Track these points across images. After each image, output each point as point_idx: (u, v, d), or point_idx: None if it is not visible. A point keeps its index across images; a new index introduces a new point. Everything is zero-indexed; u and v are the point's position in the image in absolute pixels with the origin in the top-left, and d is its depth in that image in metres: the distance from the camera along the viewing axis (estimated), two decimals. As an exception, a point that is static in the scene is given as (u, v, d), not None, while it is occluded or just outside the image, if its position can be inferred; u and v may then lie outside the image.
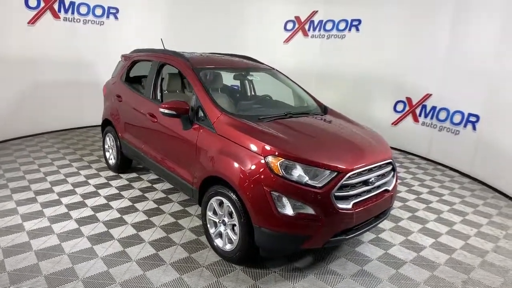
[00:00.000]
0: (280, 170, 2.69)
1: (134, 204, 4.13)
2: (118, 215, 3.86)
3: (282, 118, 3.41)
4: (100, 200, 4.19)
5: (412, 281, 2.99)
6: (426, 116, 6.50)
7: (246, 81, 4.75)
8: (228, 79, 4.62)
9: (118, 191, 4.45)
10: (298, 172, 2.71)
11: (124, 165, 4.91)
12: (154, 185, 4.68)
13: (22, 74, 6.32)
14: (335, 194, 2.72)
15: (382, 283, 2.95)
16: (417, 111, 6.64)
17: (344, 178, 2.74)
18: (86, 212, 3.90)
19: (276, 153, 2.73)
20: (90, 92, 7.08)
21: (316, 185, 2.68)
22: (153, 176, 4.94)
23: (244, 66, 4.33)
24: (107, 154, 5.15)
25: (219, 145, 3.07)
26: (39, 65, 6.51)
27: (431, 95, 6.38)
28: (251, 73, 4.36)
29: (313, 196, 2.66)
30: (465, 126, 5.79)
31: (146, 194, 4.41)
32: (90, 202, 4.13)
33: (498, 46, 5.16)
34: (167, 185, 4.66)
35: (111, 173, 5.03)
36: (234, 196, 2.87)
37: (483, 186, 5.36)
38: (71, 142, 6.48)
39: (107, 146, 5.15)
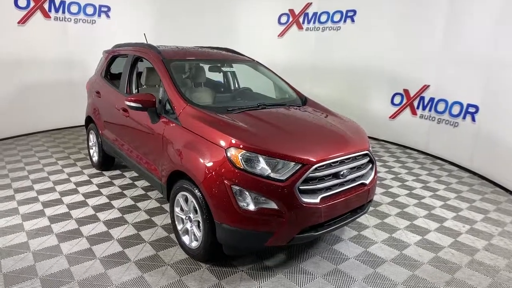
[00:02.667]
0: (241, 163, 2.53)
1: (111, 201, 4.03)
2: (92, 212, 3.76)
3: (253, 109, 3.24)
4: (78, 198, 4.11)
5: (389, 281, 2.79)
6: (424, 109, 6.23)
7: (229, 74, 4.61)
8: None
9: (97, 188, 4.37)
10: (260, 165, 2.54)
11: (106, 162, 4.83)
12: (135, 182, 4.58)
13: (13, 74, 6.32)
14: (300, 187, 2.55)
15: (356, 283, 2.76)
16: (415, 103, 6.37)
17: (310, 170, 2.56)
18: (61, 209, 3.82)
19: (240, 146, 2.57)
20: (83, 91, 7.04)
21: (279, 178, 2.51)
22: (136, 174, 4.84)
23: (221, 57, 4.18)
24: (91, 152, 5.09)
25: (182, 138, 2.94)
26: (31, 64, 6.51)
27: (429, 86, 6.11)
28: (228, 64, 4.20)
29: (275, 190, 2.49)
30: (464, 117, 5.50)
31: (125, 191, 4.31)
32: (67, 199, 4.05)
33: (496, 34, 4.88)
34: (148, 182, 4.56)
35: (94, 171, 4.96)
36: (197, 191, 2.73)
37: (483, 181, 5.08)
38: (62, 140, 6.46)
39: (91, 144, 5.08)
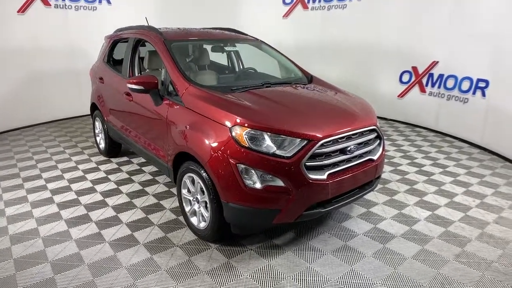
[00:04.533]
0: (246, 141, 2.50)
1: (119, 187, 4.04)
2: (101, 198, 3.78)
3: (257, 88, 3.19)
4: (86, 184, 4.13)
5: (398, 255, 2.77)
6: (433, 86, 6.09)
7: (233, 54, 4.54)
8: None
9: (105, 175, 4.38)
10: (265, 142, 2.51)
11: (113, 148, 4.83)
12: (142, 168, 4.59)
13: (16, 64, 6.30)
14: (307, 164, 2.51)
15: (365, 258, 2.74)
16: (424, 80, 6.23)
17: (316, 147, 2.52)
18: (70, 196, 3.84)
19: (245, 124, 2.52)
20: (88, 79, 7.02)
21: (285, 155, 2.48)
22: (143, 159, 4.84)
23: (224, 37, 4.10)
24: (98, 139, 5.09)
25: (186, 118, 2.90)
26: (33, 54, 6.48)
27: (437, 62, 5.96)
28: (231, 44, 4.13)
29: (282, 167, 2.46)
30: (474, 93, 5.37)
31: (133, 177, 4.31)
32: (75, 186, 4.08)
33: (507, 7, 4.70)
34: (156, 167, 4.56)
35: (102, 158, 4.97)
36: (203, 171, 2.71)
37: (494, 156, 4.98)
38: (69, 130, 6.48)
39: (97, 131, 5.09)
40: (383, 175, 4.25)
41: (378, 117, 5.22)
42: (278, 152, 2.49)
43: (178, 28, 4.11)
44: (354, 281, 2.49)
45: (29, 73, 6.53)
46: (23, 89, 6.48)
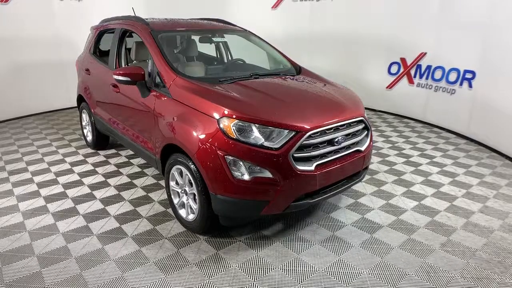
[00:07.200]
0: (234, 133, 2.48)
1: (107, 180, 4.01)
2: (88, 191, 3.74)
3: (246, 79, 3.17)
4: (73, 177, 4.08)
5: (385, 245, 2.81)
6: (421, 77, 6.13)
7: (221, 45, 4.50)
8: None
9: (93, 168, 4.34)
10: (253, 134, 2.50)
11: (101, 141, 4.77)
12: (130, 160, 4.55)
13: (1, 55, 6.16)
14: (295, 155, 2.52)
15: (353, 248, 2.77)
16: (412, 72, 6.27)
17: (304, 138, 2.52)
18: (57, 189, 3.80)
19: (232, 115, 2.51)
20: (75, 71, 6.90)
21: (273, 146, 2.48)
22: (131, 152, 4.80)
23: (212, 28, 4.05)
24: (85, 131, 5.03)
25: (174, 110, 2.88)
26: (18, 45, 6.33)
27: (425, 53, 5.99)
28: (219, 35, 4.08)
29: (270, 159, 2.46)
30: (461, 84, 5.42)
31: (121, 169, 4.28)
32: (62, 179, 4.02)
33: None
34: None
35: (89, 150, 4.91)
36: (191, 163, 2.70)
37: (480, 147, 5.06)
38: (56, 122, 6.38)
39: (84, 123, 5.01)
40: (371, 166, 4.29)
41: (367, 108, 5.27)
42: (266, 143, 2.48)
43: (166, 19, 4.04)
44: (342, 271, 2.52)
45: (14, 64, 6.38)
46: (8, 81, 6.34)
